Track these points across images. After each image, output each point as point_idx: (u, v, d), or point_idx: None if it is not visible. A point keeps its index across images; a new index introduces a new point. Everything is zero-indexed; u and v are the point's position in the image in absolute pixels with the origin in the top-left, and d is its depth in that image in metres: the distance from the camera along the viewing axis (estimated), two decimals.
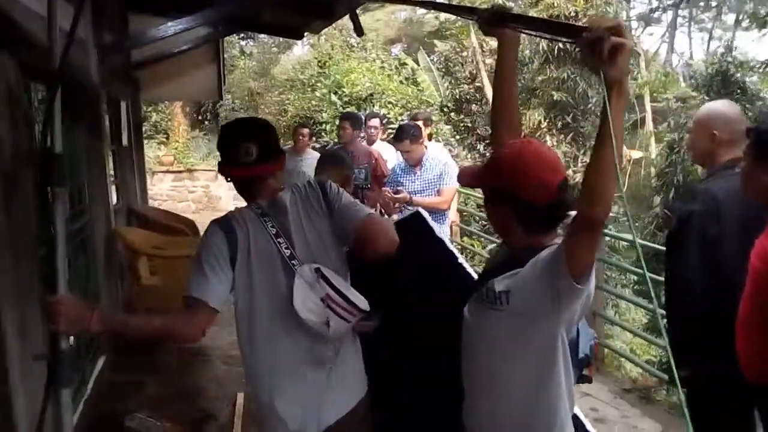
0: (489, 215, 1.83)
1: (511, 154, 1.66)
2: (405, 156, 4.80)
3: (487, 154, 12.18)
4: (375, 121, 6.28)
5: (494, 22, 1.78)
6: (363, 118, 6.16)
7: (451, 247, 2.30)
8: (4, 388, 2.41)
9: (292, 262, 1.86)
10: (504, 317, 1.63)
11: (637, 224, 14.10)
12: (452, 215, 5.46)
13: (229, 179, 1.95)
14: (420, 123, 6.08)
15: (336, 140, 9.61)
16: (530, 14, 10.21)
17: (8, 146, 2.86)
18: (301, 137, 6.58)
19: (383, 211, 4.11)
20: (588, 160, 1.39)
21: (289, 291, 1.82)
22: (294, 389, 1.90)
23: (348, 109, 10.02)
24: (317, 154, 6.72)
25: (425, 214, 2.22)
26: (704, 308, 2.33)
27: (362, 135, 5.74)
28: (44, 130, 1.64)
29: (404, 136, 4.69)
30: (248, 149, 1.87)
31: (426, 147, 4.89)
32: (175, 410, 3.90)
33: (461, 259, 2.34)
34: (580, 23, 1.51)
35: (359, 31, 3.37)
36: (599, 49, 1.24)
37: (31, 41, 2.81)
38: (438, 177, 4.74)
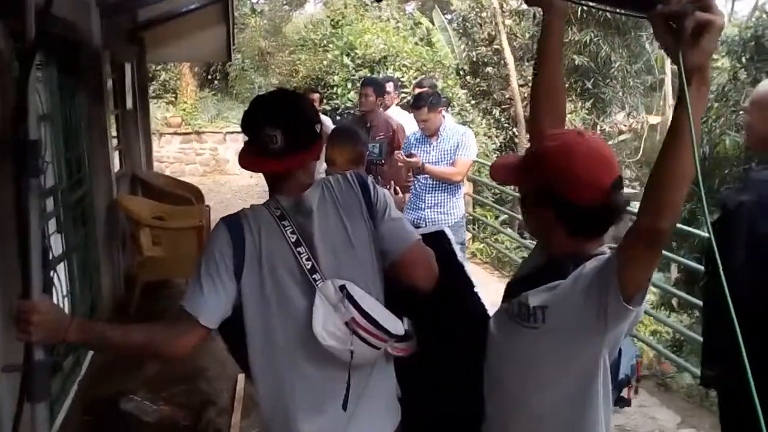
0: (526, 216, 1.58)
1: (556, 148, 1.43)
2: (421, 125, 4.56)
3: (501, 118, 11.94)
4: (389, 86, 5.97)
5: None
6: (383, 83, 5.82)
7: (470, 274, 1.99)
8: None
9: (314, 276, 1.55)
10: (539, 337, 1.42)
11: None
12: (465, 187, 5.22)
13: (252, 169, 1.66)
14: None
15: (346, 104, 9.41)
16: None
17: None
18: (311, 103, 6.24)
19: (394, 183, 3.90)
20: (659, 162, 1.14)
21: (308, 311, 1.53)
22: (313, 421, 1.60)
23: (360, 72, 9.70)
24: (328, 120, 6.49)
25: (449, 233, 1.91)
26: (751, 308, 2.11)
27: (380, 102, 5.45)
28: (16, 113, 1.42)
29: (422, 103, 4.45)
30: (272, 137, 1.54)
31: (444, 116, 4.63)
32: (173, 392, 3.76)
33: (477, 288, 2.02)
34: None
35: None
36: (679, 26, 0.99)
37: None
38: (454, 147, 4.50)
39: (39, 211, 1.50)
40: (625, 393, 1.58)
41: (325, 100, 9.90)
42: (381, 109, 5.34)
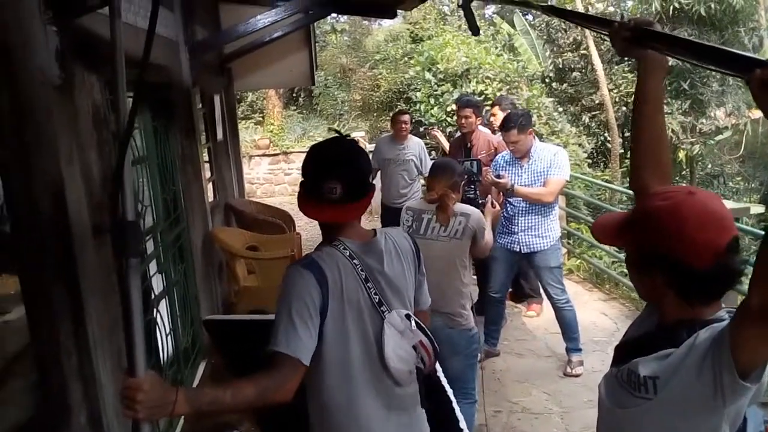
0: (635, 279, 1.47)
1: (666, 207, 1.31)
2: (511, 147, 4.42)
3: (591, 124, 11.52)
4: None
5: (635, 40, 1.40)
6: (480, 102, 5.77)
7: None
8: None
9: (381, 308, 1.79)
10: (651, 408, 1.31)
11: (752, 186, 13.04)
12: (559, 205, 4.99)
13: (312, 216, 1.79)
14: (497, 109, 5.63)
15: (429, 120, 9.31)
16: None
17: (97, 171, 2.76)
18: (403, 125, 6.16)
19: (491, 197, 3.83)
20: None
21: (377, 338, 1.77)
22: (382, 427, 1.82)
23: (443, 87, 9.59)
24: (418, 140, 6.44)
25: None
26: None
27: (480, 122, 5.35)
28: (113, 196, 1.42)
29: (512, 125, 4.32)
30: (332, 189, 1.72)
31: (534, 138, 4.47)
32: (278, 423, 3.76)
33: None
34: None
35: (474, 29, 2.97)
36: None
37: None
38: (547, 168, 4.33)
39: (140, 289, 1.49)
40: None
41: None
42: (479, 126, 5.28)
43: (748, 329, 1.13)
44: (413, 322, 1.80)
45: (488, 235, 3.32)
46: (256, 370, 1.65)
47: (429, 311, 2.13)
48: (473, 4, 2.80)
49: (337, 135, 1.88)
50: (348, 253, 1.77)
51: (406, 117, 6.33)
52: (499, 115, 5.33)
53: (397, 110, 7.32)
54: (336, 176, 1.72)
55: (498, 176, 4.28)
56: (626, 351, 1.44)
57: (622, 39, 1.44)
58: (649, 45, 1.39)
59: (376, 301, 1.78)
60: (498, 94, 8.76)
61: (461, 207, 3.22)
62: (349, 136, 1.89)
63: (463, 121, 5.25)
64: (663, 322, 1.39)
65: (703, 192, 1.36)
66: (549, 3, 7.45)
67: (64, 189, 2.34)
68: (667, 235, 1.28)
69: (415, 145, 6.25)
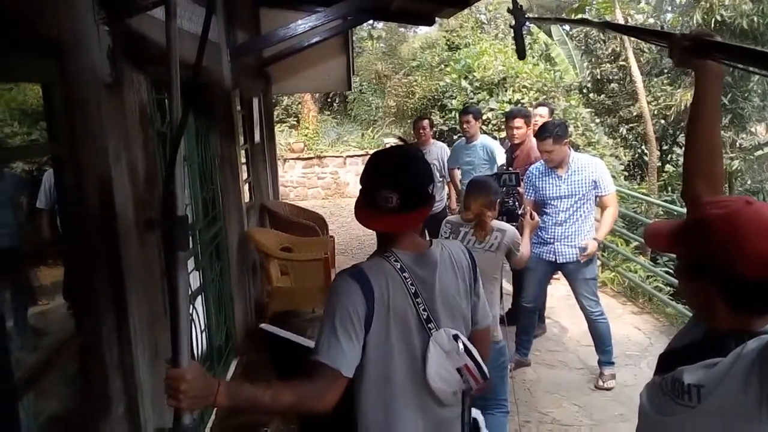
0: (685, 288, 1.45)
1: (722, 216, 1.29)
2: (545, 156, 4.37)
3: (628, 136, 11.38)
4: (469, 117, 5.82)
5: (695, 50, 1.40)
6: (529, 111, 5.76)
7: None
8: None
9: (429, 325, 1.72)
10: (694, 417, 1.28)
11: None
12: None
13: (368, 226, 1.75)
14: (541, 112, 5.63)
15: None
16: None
17: (142, 169, 2.83)
18: (422, 131, 6.33)
19: (530, 210, 3.80)
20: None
21: (422, 356, 1.70)
22: None
23: (479, 95, 9.57)
24: (442, 144, 6.51)
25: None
26: None
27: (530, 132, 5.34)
28: (165, 194, 1.46)
29: (547, 134, 4.28)
30: (389, 198, 1.66)
31: (570, 148, 4.44)
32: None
33: None
34: None
35: (521, 53, 2.96)
36: None
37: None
38: (591, 183, 4.29)
39: (188, 282, 1.53)
40: None
41: (442, 121, 9.90)
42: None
43: None
44: (461, 344, 1.71)
45: (524, 248, 3.35)
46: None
47: (489, 329, 2.04)
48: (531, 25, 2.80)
49: (400, 143, 1.85)
50: (399, 266, 1.72)
51: (426, 122, 6.45)
52: (539, 121, 5.30)
53: (417, 116, 7.42)
54: (392, 185, 1.67)
55: (531, 216, 3.75)
56: (671, 359, 1.42)
57: (682, 49, 1.44)
58: (710, 55, 1.40)
59: (425, 317, 1.71)
60: (534, 102, 8.72)
61: (497, 223, 3.27)
62: (412, 143, 1.86)
63: (512, 131, 5.25)
64: (711, 332, 1.37)
65: (760, 202, 1.34)
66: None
67: (111, 185, 2.41)
68: (722, 244, 1.26)
69: (437, 150, 6.32)
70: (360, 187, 1.77)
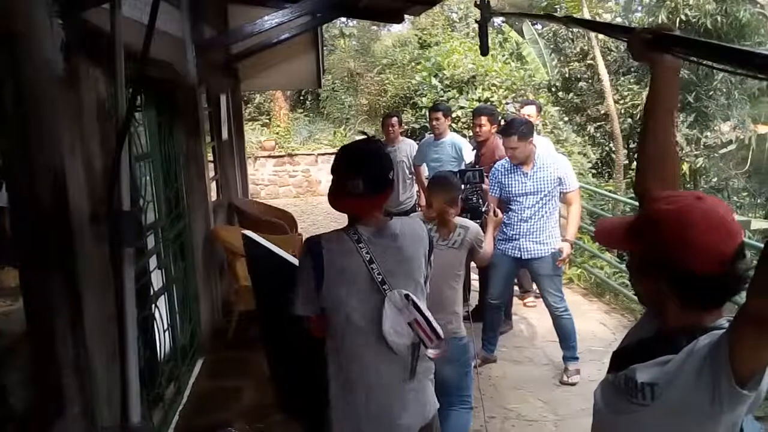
0: (637, 284, 1.45)
1: (672, 212, 1.29)
2: (509, 152, 4.39)
3: (596, 134, 11.52)
4: (440, 114, 5.83)
5: (655, 44, 1.41)
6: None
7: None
8: None
9: (384, 286, 2.02)
10: (648, 415, 1.30)
11: (758, 201, 12.99)
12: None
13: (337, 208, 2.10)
14: (529, 111, 5.67)
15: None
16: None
17: (99, 164, 2.78)
18: (390, 128, 6.36)
19: (493, 206, 3.84)
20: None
21: (378, 313, 2.01)
22: (376, 395, 2.08)
23: (449, 93, 9.61)
24: (411, 141, 6.52)
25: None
26: None
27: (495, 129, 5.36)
28: (110, 187, 1.43)
29: (513, 131, 4.30)
30: (355, 184, 1.98)
31: (534, 145, 4.47)
32: (271, 422, 3.75)
33: None
34: None
35: (485, 49, 2.99)
36: None
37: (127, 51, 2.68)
38: (556, 180, 4.33)
39: (134, 280, 1.50)
40: None
41: (413, 119, 9.92)
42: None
43: (746, 336, 1.12)
44: (411, 303, 2.01)
45: (488, 245, 3.34)
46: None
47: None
48: (498, 20, 2.84)
49: (364, 137, 2.16)
50: (356, 238, 2.04)
51: (395, 119, 6.46)
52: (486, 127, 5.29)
53: (385, 113, 7.46)
54: (358, 172, 1.98)
55: (495, 213, 3.77)
56: (624, 357, 1.42)
57: (641, 42, 1.45)
58: (669, 49, 1.41)
59: (379, 280, 2.02)
60: (504, 102, 8.77)
61: (460, 220, 3.27)
62: (374, 137, 2.07)
63: (477, 129, 5.28)
64: (663, 329, 1.37)
65: (711, 198, 1.34)
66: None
67: (65, 181, 2.34)
68: (673, 240, 1.26)
69: (406, 147, 6.33)
70: (331, 176, 2.08)
